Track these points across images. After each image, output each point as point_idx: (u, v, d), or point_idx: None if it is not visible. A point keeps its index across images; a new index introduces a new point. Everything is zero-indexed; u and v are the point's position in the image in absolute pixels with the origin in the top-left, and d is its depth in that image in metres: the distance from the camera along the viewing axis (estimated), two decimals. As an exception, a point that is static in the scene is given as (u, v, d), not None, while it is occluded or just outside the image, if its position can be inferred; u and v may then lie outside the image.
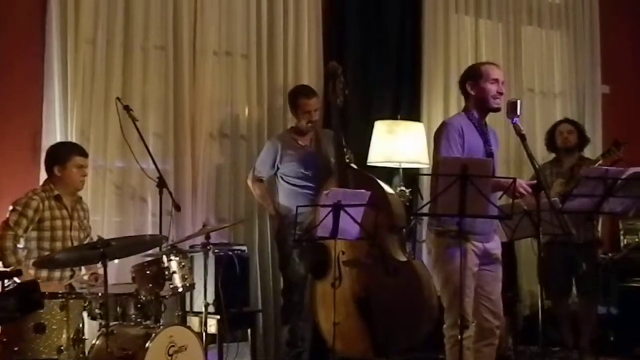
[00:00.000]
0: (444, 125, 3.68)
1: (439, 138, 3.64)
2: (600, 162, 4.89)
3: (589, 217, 4.10)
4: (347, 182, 4.43)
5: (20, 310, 2.62)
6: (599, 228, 5.22)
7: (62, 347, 3.36)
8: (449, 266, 3.53)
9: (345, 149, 4.60)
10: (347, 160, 4.60)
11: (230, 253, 4.44)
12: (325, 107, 4.94)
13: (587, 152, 5.26)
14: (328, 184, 4.44)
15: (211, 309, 4.17)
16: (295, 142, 4.75)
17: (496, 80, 3.64)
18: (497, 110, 3.68)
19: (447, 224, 3.51)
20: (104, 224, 4.55)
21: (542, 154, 5.39)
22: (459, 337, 3.39)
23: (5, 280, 3.32)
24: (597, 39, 6.27)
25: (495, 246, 3.70)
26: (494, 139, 3.76)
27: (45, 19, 4.52)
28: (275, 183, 4.79)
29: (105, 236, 3.61)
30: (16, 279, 3.43)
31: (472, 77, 3.68)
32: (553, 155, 5.19)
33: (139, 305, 3.68)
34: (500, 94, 3.65)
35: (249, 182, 4.79)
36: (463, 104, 3.80)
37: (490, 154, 3.62)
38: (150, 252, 3.93)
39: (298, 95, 4.75)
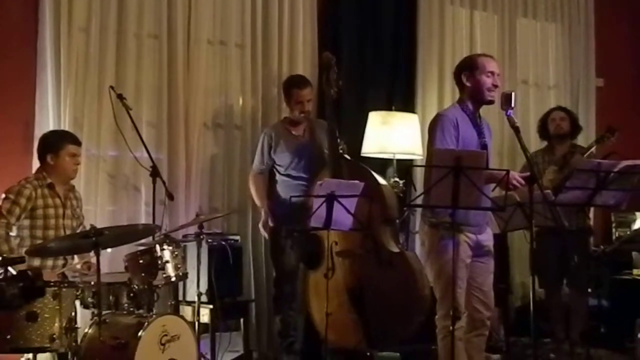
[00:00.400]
0: (438, 117, 3.68)
1: (433, 130, 3.64)
2: (593, 147, 4.90)
3: (582, 208, 4.11)
4: (340, 173, 4.43)
5: (24, 297, 2.62)
6: (591, 216, 5.23)
7: (54, 336, 3.35)
8: (443, 258, 3.55)
9: (338, 140, 4.59)
10: (341, 151, 4.60)
11: (223, 243, 4.44)
12: (319, 97, 4.93)
13: (580, 143, 5.26)
14: (322, 175, 4.44)
15: (204, 298, 4.17)
16: (289, 132, 4.74)
17: (492, 73, 3.64)
18: (491, 102, 3.68)
19: (441, 216, 3.52)
20: (97, 213, 4.55)
21: (536, 146, 5.39)
22: (451, 328, 3.41)
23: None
24: (592, 32, 6.27)
25: (487, 238, 3.72)
26: (488, 130, 3.76)
27: (38, 6, 4.50)
28: (272, 175, 4.78)
29: (98, 225, 3.60)
30: (10, 269, 3.43)
31: (468, 69, 3.68)
32: (545, 143, 5.20)
33: (131, 294, 3.68)
34: (495, 86, 3.65)
35: (250, 180, 4.76)
36: (457, 96, 3.80)
37: (484, 146, 3.63)
38: (143, 241, 3.92)
39: (291, 85, 4.74)
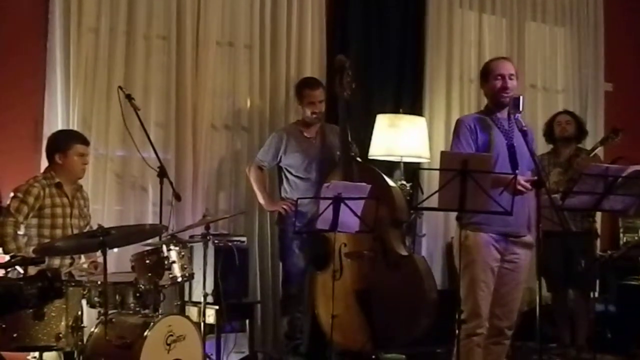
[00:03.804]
0: (456, 123, 3.75)
1: (452, 135, 3.71)
2: (598, 148, 4.90)
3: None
4: (352, 175, 4.43)
5: (42, 297, 2.62)
6: (597, 219, 5.21)
7: (60, 335, 3.37)
8: (465, 258, 3.52)
9: (350, 143, 4.60)
10: (353, 154, 4.60)
11: (229, 244, 4.45)
12: (330, 100, 4.91)
13: (587, 147, 5.24)
14: (332, 177, 4.44)
15: (210, 299, 4.18)
16: (301, 134, 4.75)
17: (501, 76, 3.65)
18: (505, 104, 3.66)
19: (468, 216, 3.48)
20: (104, 213, 4.56)
21: (543, 150, 5.38)
22: (475, 331, 3.49)
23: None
24: (601, 36, 6.25)
25: (523, 243, 3.64)
26: (522, 132, 3.57)
27: (48, 7, 4.52)
28: (281, 177, 4.78)
29: (106, 225, 3.61)
30: (19, 268, 3.44)
31: (483, 76, 3.75)
32: (551, 146, 5.19)
33: (138, 294, 3.69)
34: (505, 88, 3.64)
35: (248, 169, 4.78)
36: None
37: (511, 147, 3.60)
38: (150, 241, 3.93)
39: (303, 86, 4.75)
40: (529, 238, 3.68)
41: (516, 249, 3.64)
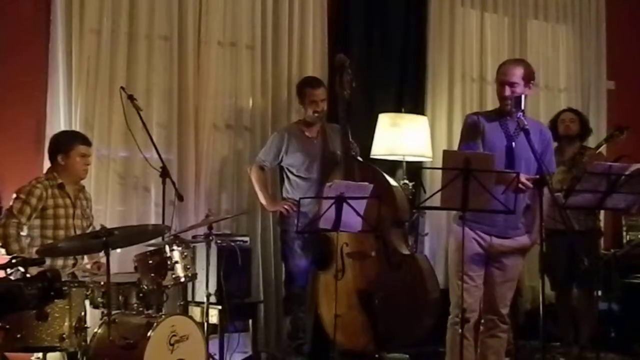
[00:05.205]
0: (464, 119, 3.76)
1: (461, 131, 3.73)
2: (603, 146, 4.89)
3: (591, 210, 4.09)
4: (353, 174, 4.43)
5: (42, 298, 2.63)
6: (601, 217, 5.20)
7: (64, 335, 3.37)
8: (451, 251, 3.59)
9: (351, 142, 4.60)
10: (353, 153, 4.60)
11: (232, 244, 4.45)
12: (331, 99, 4.91)
13: (590, 145, 5.23)
14: (333, 176, 4.44)
15: (213, 299, 4.18)
16: (303, 133, 4.75)
17: (500, 82, 3.64)
18: (507, 112, 3.61)
19: (457, 212, 3.51)
20: (107, 213, 4.57)
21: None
22: (460, 329, 3.45)
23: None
24: (603, 34, 6.24)
25: (509, 244, 3.65)
26: (525, 134, 3.47)
27: (50, 8, 4.53)
28: (283, 176, 4.78)
29: (108, 225, 3.62)
30: (20, 268, 3.44)
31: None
32: (555, 144, 5.18)
33: (141, 295, 3.70)
34: (501, 97, 3.61)
35: (249, 169, 4.78)
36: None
37: (509, 149, 3.59)
38: (152, 241, 3.93)
39: (305, 85, 4.75)
40: (524, 239, 3.69)
41: (504, 250, 3.65)
